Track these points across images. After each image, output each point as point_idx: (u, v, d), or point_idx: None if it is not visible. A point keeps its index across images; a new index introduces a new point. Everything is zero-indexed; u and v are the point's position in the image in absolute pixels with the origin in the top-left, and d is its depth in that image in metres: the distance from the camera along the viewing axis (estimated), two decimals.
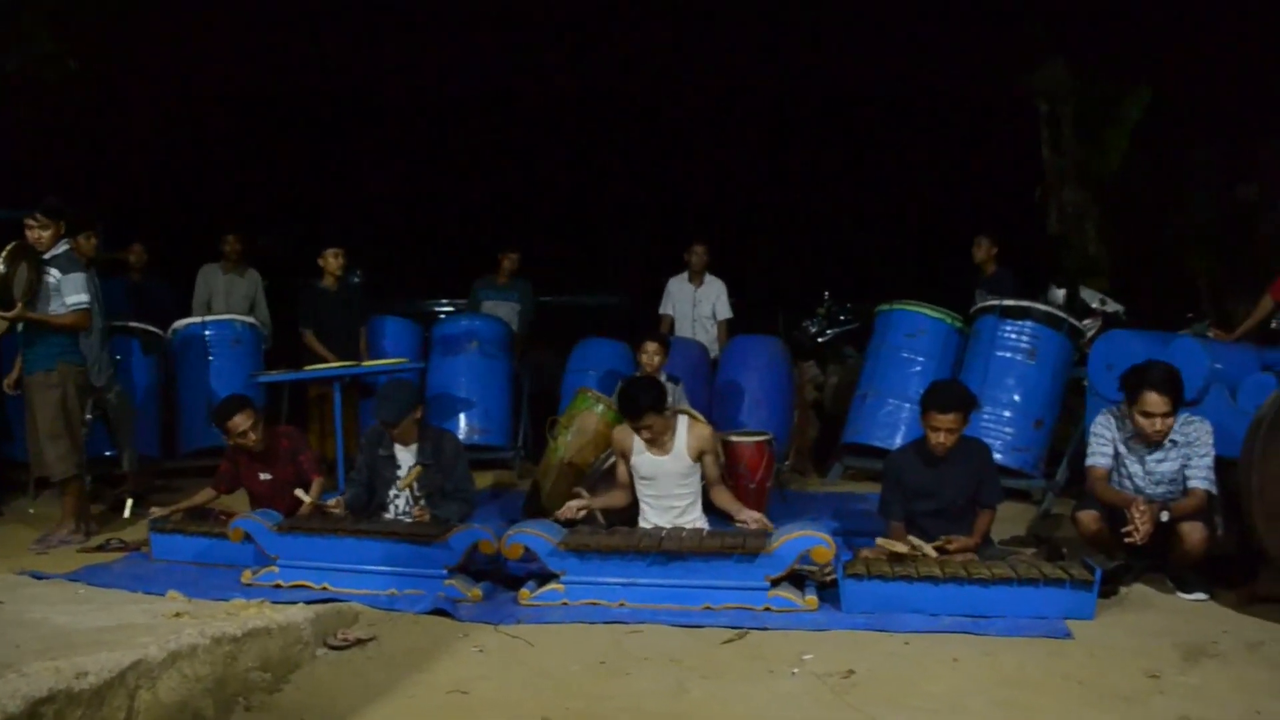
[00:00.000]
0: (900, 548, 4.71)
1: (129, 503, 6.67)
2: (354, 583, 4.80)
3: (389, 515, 5.40)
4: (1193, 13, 10.92)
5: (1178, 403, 4.74)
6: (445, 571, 4.77)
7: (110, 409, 6.54)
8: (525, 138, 14.74)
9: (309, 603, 4.49)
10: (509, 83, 14.04)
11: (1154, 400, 4.71)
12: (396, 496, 5.40)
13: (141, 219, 9.71)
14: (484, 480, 7.43)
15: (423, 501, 5.26)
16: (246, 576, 4.99)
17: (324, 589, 4.78)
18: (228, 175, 12.91)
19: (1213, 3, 11.01)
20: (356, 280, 8.88)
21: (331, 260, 7.76)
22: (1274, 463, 4.28)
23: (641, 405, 5.12)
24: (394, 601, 4.68)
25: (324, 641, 4.20)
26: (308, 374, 7.01)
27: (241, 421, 5.63)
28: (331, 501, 5.36)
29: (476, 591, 4.75)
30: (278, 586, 4.86)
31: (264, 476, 5.78)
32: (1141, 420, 4.76)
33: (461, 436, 7.39)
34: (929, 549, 4.75)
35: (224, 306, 8.34)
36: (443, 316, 9.42)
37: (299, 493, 5.48)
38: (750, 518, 5.05)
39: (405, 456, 5.40)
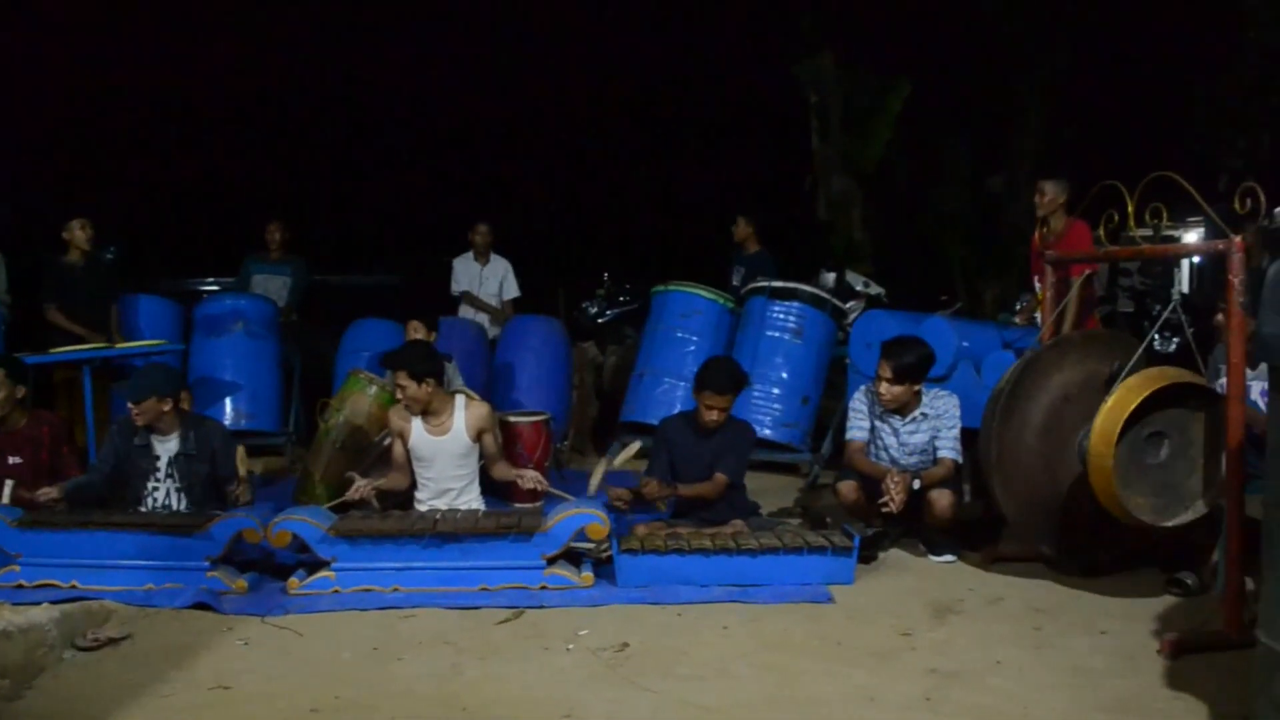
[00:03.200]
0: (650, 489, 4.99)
1: None
2: (107, 579, 4.50)
3: (144, 509, 5.08)
4: (947, 12, 11.63)
5: (902, 372, 5.05)
6: (207, 563, 4.53)
7: None
8: (300, 118, 14.21)
9: (55, 603, 4.19)
10: (286, 62, 13.50)
11: (880, 364, 5.08)
12: (155, 489, 5.10)
13: None
14: (253, 467, 7.10)
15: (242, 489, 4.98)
16: None
17: (73, 587, 4.45)
18: None
19: (967, 4, 11.76)
20: (109, 256, 8.31)
21: (78, 233, 7.23)
22: (1010, 433, 4.62)
23: (397, 360, 5.08)
24: (151, 597, 4.43)
25: (72, 643, 3.94)
26: (55, 356, 6.51)
27: None
28: (43, 490, 4.94)
29: (241, 583, 4.55)
30: (20, 587, 4.48)
31: (13, 460, 5.31)
32: (876, 385, 5.12)
33: (228, 422, 7.05)
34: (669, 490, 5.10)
35: None
36: (206, 296, 8.94)
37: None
38: (529, 476, 5.12)
39: (164, 446, 5.10)
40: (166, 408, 5.00)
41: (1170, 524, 4.17)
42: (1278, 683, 2.70)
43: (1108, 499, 4.12)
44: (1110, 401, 4.08)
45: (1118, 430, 3.99)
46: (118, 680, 3.62)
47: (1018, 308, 7.25)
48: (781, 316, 7.15)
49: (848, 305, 7.73)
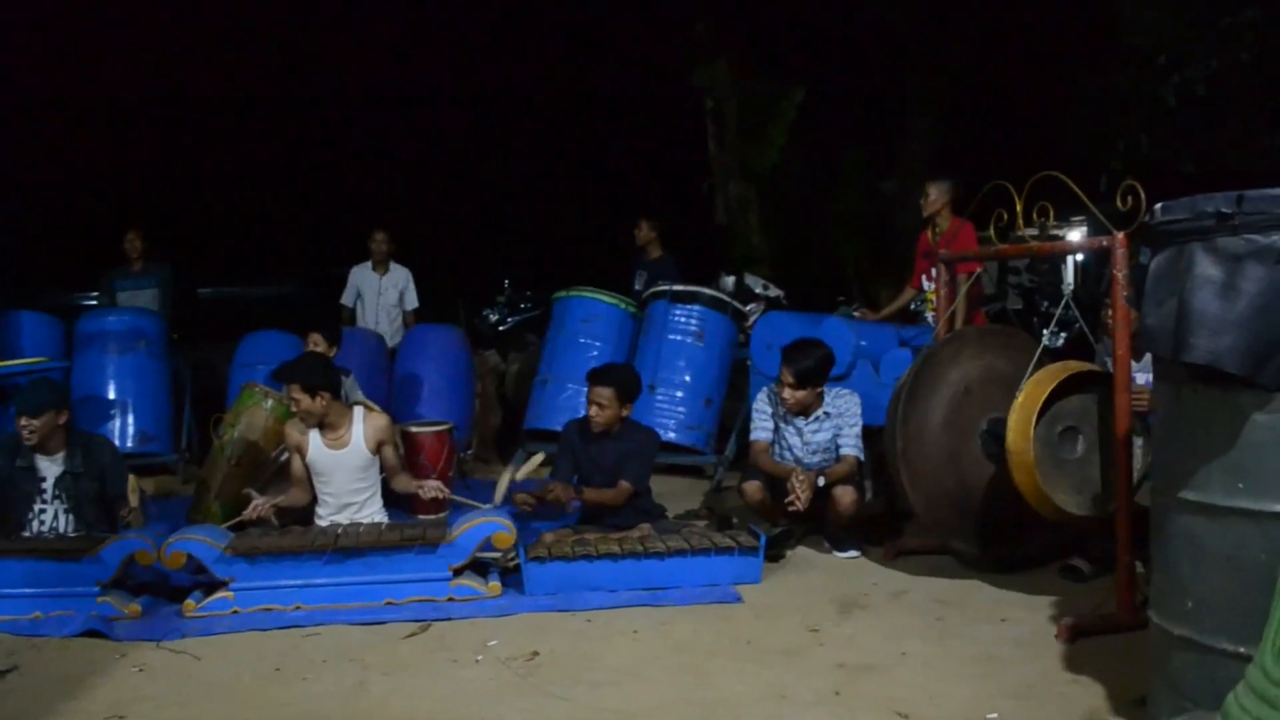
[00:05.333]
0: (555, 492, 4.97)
1: None
2: None
3: (29, 534, 4.86)
4: (842, 20, 11.85)
5: (803, 377, 5.11)
6: (98, 588, 4.36)
7: None
8: (189, 124, 13.82)
9: None
10: (173, 68, 13.11)
11: (782, 370, 5.14)
12: (42, 511, 4.89)
13: None
14: (144, 486, 6.85)
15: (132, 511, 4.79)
16: None
17: None
18: None
19: (859, 13, 12.00)
20: None
21: None
22: (914, 426, 4.71)
23: (290, 373, 4.98)
24: (38, 625, 4.24)
25: None
26: None
27: None
28: None
29: (135, 607, 4.39)
30: None
31: None
32: (779, 390, 5.19)
33: (116, 441, 6.80)
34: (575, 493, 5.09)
35: None
36: (90, 311, 8.62)
37: None
38: (430, 486, 5.06)
39: (49, 467, 4.90)
40: (61, 421, 4.83)
41: (1101, 515, 4.26)
42: (1171, 661, 2.79)
43: (1034, 495, 4.17)
44: (1021, 398, 4.16)
45: (1033, 423, 4.07)
46: (5, 715, 3.46)
47: (913, 307, 7.37)
48: (683, 320, 7.19)
49: (748, 308, 7.79)
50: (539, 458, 5.58)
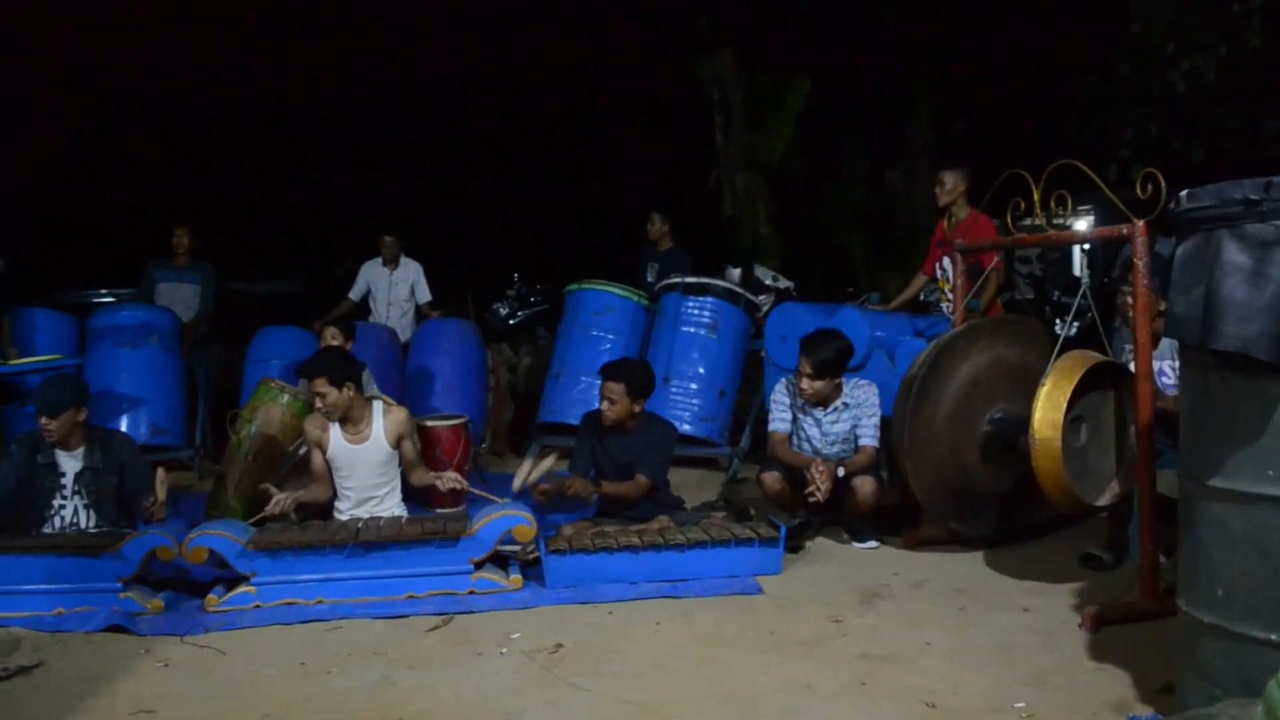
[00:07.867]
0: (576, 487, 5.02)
1: None
2: (12, 605, 4.31)
3: (50, 530, 4.88)
4: (846, 11, 11.82)
5: (821, 368, 5.11)
6: (120, 584, 4.38)
7: None
8: (194, 120, 13.80)
9: None
10: (180, 64, 13.09)
11: (800, 361, 5.15)
12: (62, 507, 4.90)
13: None
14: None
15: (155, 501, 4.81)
16: None
17: None
18: None
19: (863, 2, 11.98)
20: None
21: None
22: (923, 418, 4.72)
23: (314, 368, 4.99)
24: (61, 622, 4.25)
25: None
26: None
27: None
28: None
29: (157, 602, 4.41)
30: None
31: None
32: (798, 380, 5.20)
33: (135, 436, 6.80)
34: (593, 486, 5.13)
35: None
36: (104, 306, 8.62)
37: None
38: (448, 477, 5.08)
39: (69, 462, 4.91)
40: (80, 418, 4.84)
41: (1098, 504, 4.29)
42: (1200, 649, 2.79)
43: (1054, 482, 4.16)
44: (1049, 384, 4.12)
45: (1063, 411, 4.05)
46: (32, 711, 3.47)
47: (921, 298, 7.36)
48: (696, 312, 7.19)
49: (759, 299, 7.80)
50: (551, 459, 5.58)
